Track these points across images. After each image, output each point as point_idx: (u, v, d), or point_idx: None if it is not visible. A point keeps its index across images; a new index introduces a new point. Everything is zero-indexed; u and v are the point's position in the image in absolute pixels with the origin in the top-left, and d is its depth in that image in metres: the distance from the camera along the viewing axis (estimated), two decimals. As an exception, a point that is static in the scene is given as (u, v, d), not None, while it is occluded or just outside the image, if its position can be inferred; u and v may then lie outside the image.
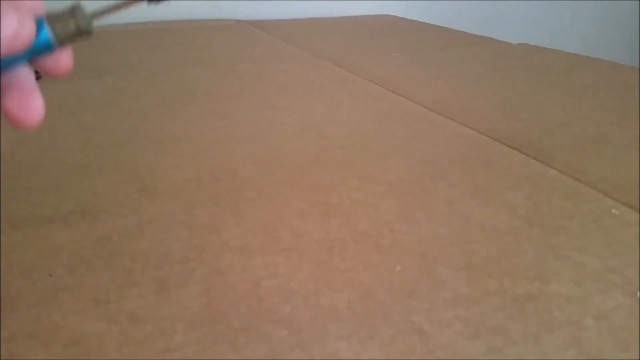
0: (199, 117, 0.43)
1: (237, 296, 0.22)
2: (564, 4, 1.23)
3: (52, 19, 0.19)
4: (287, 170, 0.33)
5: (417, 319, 0.20)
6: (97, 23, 0.20)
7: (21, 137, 0.39)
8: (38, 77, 0.21)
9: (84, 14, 0.19)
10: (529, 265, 0.24)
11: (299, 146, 0.37)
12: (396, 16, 1.01)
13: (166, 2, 0.20)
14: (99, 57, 0.64)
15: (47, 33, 0.19)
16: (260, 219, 0.27)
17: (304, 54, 0.67)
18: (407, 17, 1.00)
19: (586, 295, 0.22)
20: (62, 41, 0.19)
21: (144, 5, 0.20)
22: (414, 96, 0.49)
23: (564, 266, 0.24)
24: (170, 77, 0.55)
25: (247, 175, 0.32)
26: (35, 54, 0.19)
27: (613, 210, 0.28)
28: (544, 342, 0.19)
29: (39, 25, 0.19)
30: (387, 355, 0.19)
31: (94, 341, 0.19)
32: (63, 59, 0.21)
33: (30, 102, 0.21)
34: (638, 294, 0.22)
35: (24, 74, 0.21)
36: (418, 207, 0.29)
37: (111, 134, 0.39)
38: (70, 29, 0.19)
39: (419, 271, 0.23)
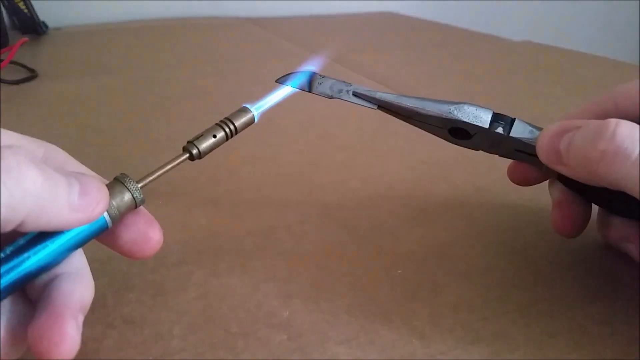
0: (197, 117, 0.42)
1: (235, 300, 0.21)
2: (567, 2, 1.22)
3: None
4: (287, 170, 0.33)
5: (418, 323, 0.20)
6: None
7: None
8: None
9: (134, 183, 0.18)
10: (532, 268, 0.24)
11: (299, 146, 0.37)
12: (397, 13, 1.01)
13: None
14: (96, 55, 0.64)
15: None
16: (260, 220, 0.27)
17: (305, 51, 0.66)
18: (408, 14, 0.99)
19: (589, 299, 0.22)
20: (117, 219, 0.17)
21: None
22: (415, 94, 0.49)
23: (567, 270, 0.24)
24: (168, 76, 0.54)
25: (246, 175, 0.32)
26: (87, 239, 0.17)
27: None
28: (546, 347, 0.19)
29: None
30: (387, 361, 0.18)
31: (91, 345, 0.19)
32: (151, 233, 0.18)
33: None
34: (638, 297, 0.22)
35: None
36: (419, 209, 0.28)
37: (108, 133, 0.39)
38: (126, 203, 0.17)
39: (420, 275, 0.23)
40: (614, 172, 0.17)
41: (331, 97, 0.23)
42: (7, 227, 0.14)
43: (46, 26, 0.74)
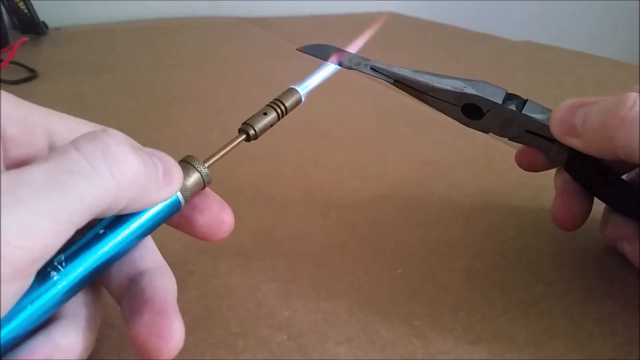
0: (196, 116, 0.42)
1: (235, 300, 0.21)
2: (567, 2, 1.22)
3: None
4: (287, 170, 0.33)
5: (419, 323, 0.20)
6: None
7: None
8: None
9: (202, 163, 0.18)
10: (532, 268, 0.24)
11: (299, 146, 0.37)
12: (398, 13, 1.01)
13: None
14: (95, 55, 0.64)
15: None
16: (259, 220, 0.27)
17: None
18: (408, 14, 0.99)
19: (589, 299, 0.22)
20: (188, 198, 0.18)
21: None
22: (415, 95, 0.49)
23: (567, 270, 0.24)
24: (168, 76, 0.54)
25: (246, 175, 0.32)
26: (162, 219, 0.17)
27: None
28: (546, 347, 0.19)
29: None
30: (387, 361, 0.18)
31: (90, 346, 0.19)
32: (224, 216, 0.19)
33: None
34: (638, 297, 0.22)
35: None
36: (419, 208, 0.28)
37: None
38: (196, 182, 0.18)
39: (420, 275, 0.23)
40: (631, 139, 0.18)
41: (350, 69, 0.24)
42: (109, 214, 0.15)
43: (46, 26, 0.75)
